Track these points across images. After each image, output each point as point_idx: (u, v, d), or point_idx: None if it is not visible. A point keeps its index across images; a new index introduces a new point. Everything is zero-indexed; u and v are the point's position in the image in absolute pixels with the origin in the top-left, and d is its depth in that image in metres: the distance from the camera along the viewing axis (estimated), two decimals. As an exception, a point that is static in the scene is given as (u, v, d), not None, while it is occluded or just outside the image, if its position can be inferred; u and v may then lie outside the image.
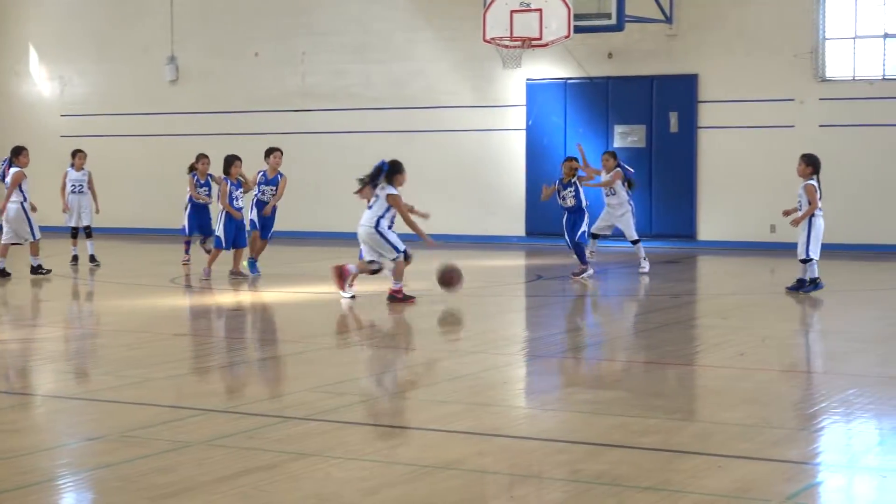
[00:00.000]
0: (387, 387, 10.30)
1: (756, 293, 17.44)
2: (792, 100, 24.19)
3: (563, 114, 25.81)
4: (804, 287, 16.47)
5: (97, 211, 21.06)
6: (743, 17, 24.50)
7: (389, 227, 15.49)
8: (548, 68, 25.79)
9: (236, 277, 18.32)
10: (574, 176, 18.60)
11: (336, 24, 27.81)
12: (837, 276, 18.15)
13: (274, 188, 19.14)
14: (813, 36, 24.02)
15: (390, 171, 15.51)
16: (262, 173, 19.20)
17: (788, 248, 22.63)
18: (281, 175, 19.27)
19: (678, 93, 24.98)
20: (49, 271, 19.07)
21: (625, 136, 25.34)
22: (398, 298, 15.36)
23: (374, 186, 15.56)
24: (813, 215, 16.39)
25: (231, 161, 18.73)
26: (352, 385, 10.36)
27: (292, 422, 8.50)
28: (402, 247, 15.46)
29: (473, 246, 25.47)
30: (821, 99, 24.04)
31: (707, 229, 24.95)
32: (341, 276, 15.65)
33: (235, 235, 18.58)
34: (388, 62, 27.19)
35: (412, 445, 7.94)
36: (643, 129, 25.23)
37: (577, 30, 22.48)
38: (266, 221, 19.13)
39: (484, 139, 26.50)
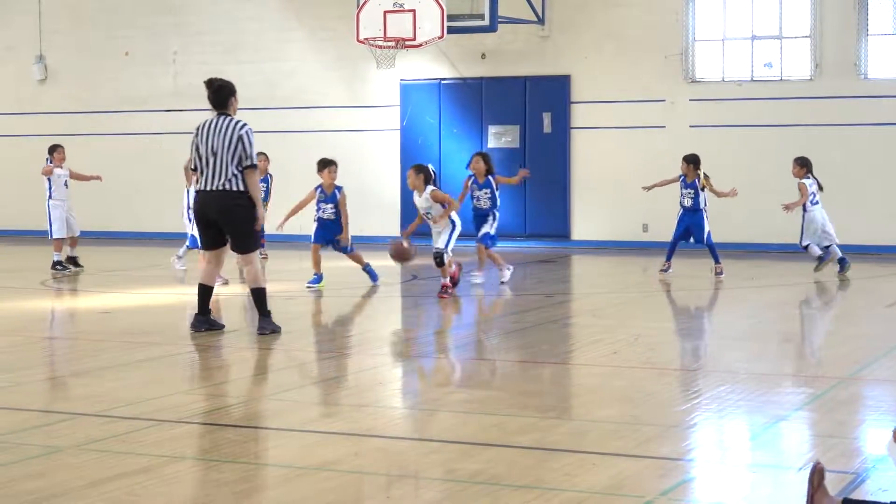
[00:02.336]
0: (262, 389, 10.23)
1: (629, 292, 17.62)
2: (663, 100, 24.49)
3: (437, 114, 25.87)
4: (820, 263, 19.01)
5: None
6: (614, 19, 24.75)
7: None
8: (422, 69, 25.83)
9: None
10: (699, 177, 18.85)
11: (208, 24, 27.58)
12: (708, 275, 18.41)
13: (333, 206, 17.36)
14: (683, 37, 24.35)
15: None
16: (319, 189, 17.54)
17: (660, 247, 22.92)
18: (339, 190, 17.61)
19: (551, 93, 25.16)
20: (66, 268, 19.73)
21: (499, 137, 25.47)
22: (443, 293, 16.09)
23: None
24: (804, 209, 19.07)
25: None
26: (226, 387, 10.28)
27: (166, 425, 8.40)
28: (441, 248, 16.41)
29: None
30: (691, 100, 24.37)
31: (580, 229, 25.16)
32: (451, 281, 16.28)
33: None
34: (260, 62, 27.02)
35: (287, 447, 7.90)
36: (517, 129, 25.38)
37: (451, 30, 22.54)
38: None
39: (358, 139, 26.45)
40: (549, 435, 8.09)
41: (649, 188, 19.86)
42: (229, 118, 12.54)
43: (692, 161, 19.02)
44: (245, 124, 12.47)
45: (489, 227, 17.65)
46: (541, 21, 24.83)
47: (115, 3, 28.31)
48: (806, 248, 19.23)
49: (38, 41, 28.87)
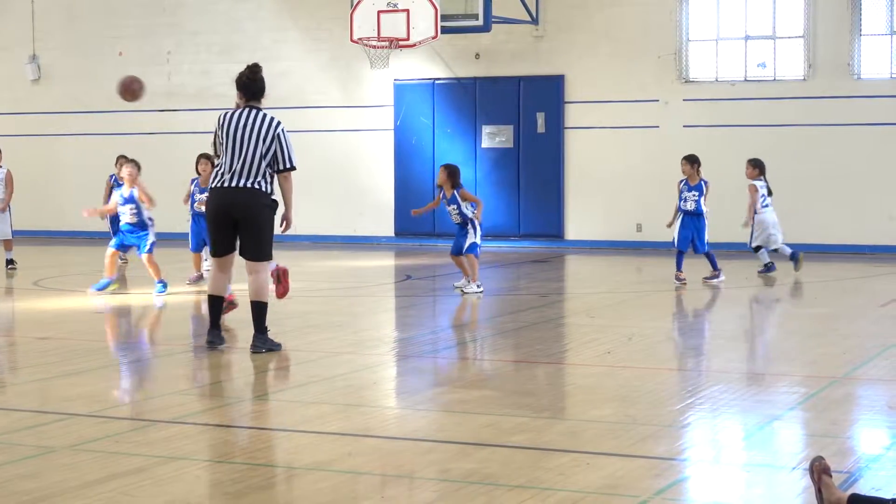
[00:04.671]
0: (255, 389, 10.22)
1: (623, 292, 17.63)
2: (656, 100, 24.50)
3: (431, 114, 25.86)
4: (760, 270, 18.93)
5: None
6: (608, 19, 24.75)
7: None
8: (415, 68, 25.82)
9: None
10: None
11: (202, 24, 27.56)
12: (701, 275, 18.40)
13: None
14: (676, 38, 24.35)
15: None
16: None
17: (654, 247, 22.95)
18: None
19: (545, 93, 25.16)
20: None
21: (493, 137, 25.46)
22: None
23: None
24: (755, 211, 19.13)
25: (198, 160, 17.68)
26: (219, 387, 10.27)
27: (159, 425, 8.40)
28: None
29: (342, 247, 25.43)
30: (684, 100, 24.38)
31: (574, 229, 25.16)
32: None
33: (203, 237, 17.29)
34: (255, 62, 26.98)
35: (282, 447, 7.89)
36: (511, 129, 25.36)
37: (445, 30, 22.54)
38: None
39: (352, 139, 26.45)
40: (544, 434, 8.09)
41: (671, 223, 18.27)
42: (262, 113, 11.68)
43: (695, 161, 18.05)
44: (280, 122, 11.68)
45: (474, 237, 16.67)
46: (535, 21, 24.83)
47: (108, 3, 28.28)
48: (756, 249, 19.24)
49: (31, 41, 28.83)
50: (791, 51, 23.84)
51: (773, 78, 23.93)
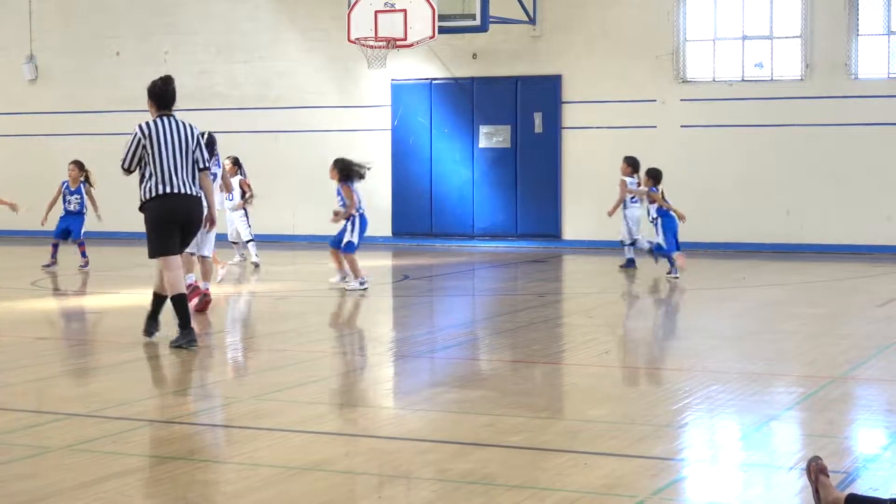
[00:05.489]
0: (252, 389, 10.21)
1: (621, 291, 17.62)
2: (654, 100, 24.50)
3: (428, 114, 25.85)
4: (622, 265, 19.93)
5: None
6: (605, 19, 24.76)
7: None
8: (413, 69, 25.82)
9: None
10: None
11: (200, 24, 27.55)
12: (698, 275, 18.43)
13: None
14: (674, 38, 24.36)
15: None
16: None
17: (651, 247, 22.92)
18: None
19: (542, 93, 25.16)
20: None
21: (490, 137, 25.46)
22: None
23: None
24: (625, 206, 19.82)
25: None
26: (216, 387, 10.26)
27: (156, 425, 8.39)
28: None
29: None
30: (682, 100, 24.38)
31: (572, 229, 25.16)
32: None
33: None
34: (253, 62, 27.00)
35: (278, 448, 7.88)
36: (508, 129, 25.36)
37: (442, 30, 22.53)
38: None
39: (349, 139, 26.41)
40: (542, 435, 8.09)
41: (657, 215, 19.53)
42: (181, 120, 12.20)
43: (652, 176, 19.24)
44: (195, 126, 12.31)
45: (349, 235, 16.95)
46: (532, 21, 24.83)
47: (106, 3, 28.27)
48: (632, 244, 19.89)
49: (28, 41, 28.82)
50: (788, 51, 23.84)
51: (770, 78, 23.93)
